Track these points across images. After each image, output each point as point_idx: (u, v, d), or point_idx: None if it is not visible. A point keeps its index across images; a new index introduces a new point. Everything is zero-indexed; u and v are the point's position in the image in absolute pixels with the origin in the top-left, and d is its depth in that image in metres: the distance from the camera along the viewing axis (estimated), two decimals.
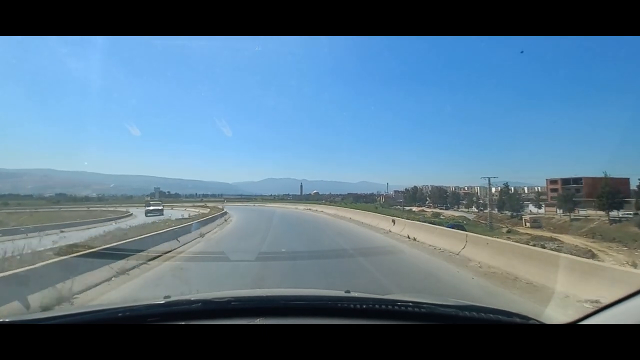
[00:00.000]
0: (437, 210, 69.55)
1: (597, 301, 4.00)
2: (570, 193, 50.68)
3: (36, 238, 8.29)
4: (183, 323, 1.41)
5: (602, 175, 43.58)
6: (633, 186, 49.32)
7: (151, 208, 30.14)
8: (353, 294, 1.74)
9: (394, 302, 1.56)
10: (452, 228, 11.90)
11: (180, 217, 16.70)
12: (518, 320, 1.44)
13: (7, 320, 1.42)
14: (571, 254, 7.43)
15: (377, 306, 1.54)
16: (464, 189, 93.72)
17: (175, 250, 8.65)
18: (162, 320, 1.46)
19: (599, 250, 25.57)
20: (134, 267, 6.47)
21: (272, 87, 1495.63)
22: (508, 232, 37.14)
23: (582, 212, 46.71)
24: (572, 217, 45.71)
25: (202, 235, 11.69)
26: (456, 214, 62.68)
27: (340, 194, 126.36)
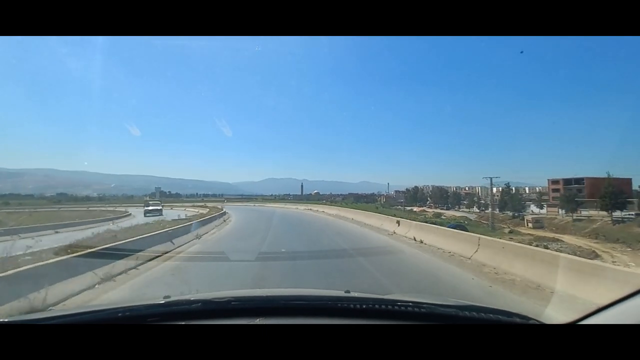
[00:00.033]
0: (438, 210, 69.27)
1: None
2: (572, 193, 50.40)
3: (28, 239, 8.02)
4: (183, 323, 1.41)
5: (604, 176, 43.37)
6: (635, 186, 49.17)
7: (150, 208, 29.90)
8: (353, 294, 1.73)
9: (394, 302, 1.55)
10: (454, 228, 11.63)
11: (177, 218, 16.44)
12: (518, 320, 1.44)
13: (7, 320, 1.43)
14: (575, 255, 7.17)
15: (377, 306, 1.54)
16: (465, 189, 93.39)
17: (166, 255, 7.97)
18: (162, 320, 1.45)
19: (602, 251, 25.27)
20: (121, 273, 5.99)
21: (272, 87, 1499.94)
22: (510, 232, 36.87)
23: (584, 213, 46.42)
24: (574, 217, 45.40)
25: (198, 237, 11.32)
26: (457, 214, 62.41)
27: (341, 194, 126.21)
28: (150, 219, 19.35)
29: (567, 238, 33.98)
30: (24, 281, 4.27)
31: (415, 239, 10.35)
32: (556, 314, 4.07)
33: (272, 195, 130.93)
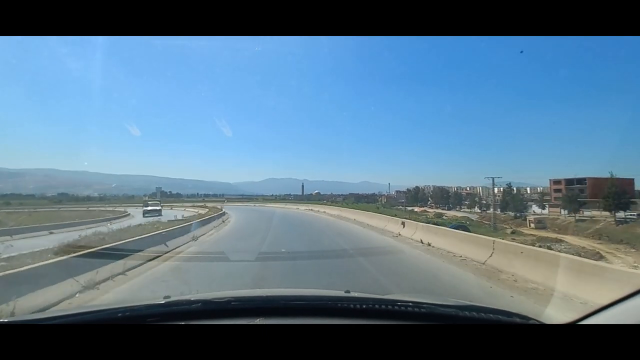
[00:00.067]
0: (439, 210, 69.02)
1: None
2: (574, 193, 50.05)
3: (19, 240, 7.80)
4: (183, 323, 1.40)
5: (605, 176, 43.08)
6: (638, 186, 48.77)
7: (149, 208, 29.61)
8: (353, 294, 1.72)
9: (394, 302, 1.55)
10: (456, 229, 11.37)
11: (173, 219, 16.16)
12: (518, 320, 1.44)
13: (7, 320, 1.43)
14: (579, 256, 6.92)
15: (377, 306, 1.53)
16: (466, 189, 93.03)
17: (159, 258, 7.51)
18: (162, 321, 1.45)
19: (606, 252, 24.98)
20: (106, 279, 5.54)
21: (272, 87, 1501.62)
22: (512, 233, 36.63)
23: (587, 213, 46.07)
24: (577, 217, 45.06)
25: (195, 239, 10.88)
26: (459, 214, 62.17)
27: (342, 194, 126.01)
28: (147, 220, 19.12)
29: (570, 239, 33.73)
30: None
31: (422, 242, 9.81)
32: (556, 314, 3.99)
33: (272, 195, 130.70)
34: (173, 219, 16.33)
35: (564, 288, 4.74)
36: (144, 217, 24.83)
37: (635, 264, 19.09)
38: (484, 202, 71.49)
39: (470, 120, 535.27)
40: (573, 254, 9.61)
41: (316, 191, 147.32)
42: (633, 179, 50.95)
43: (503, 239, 9.11)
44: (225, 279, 5.97)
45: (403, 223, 12.31)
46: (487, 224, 45.41)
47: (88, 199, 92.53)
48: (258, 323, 1.42)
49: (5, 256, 5.95)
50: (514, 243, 7.11)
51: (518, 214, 53.67)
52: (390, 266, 7.02)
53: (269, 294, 1.86)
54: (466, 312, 1.46)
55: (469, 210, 70.50)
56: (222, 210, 23.57)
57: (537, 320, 1.43)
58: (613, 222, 39.25)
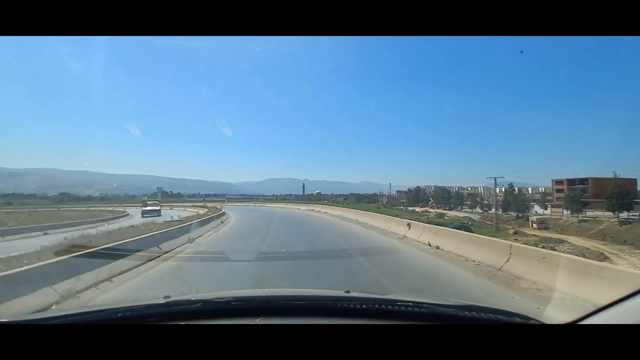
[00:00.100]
0: (441, 210, 68.75)
1: None
2: (577, 194, 49.76)
3: (9, 242, 7.59)
4: (183, 323, 1.40)
5: (607, 176, 42.88)
6: None
7: (148, 208, 29.02)
8: (353, 294, 1.73)
9: (394, 302, 1.55)
10: (458, 229, 11.17)
11: (170, 220, 15.87)
12: (518, 320, 1.43)
13: (7, 320, 1.43)
14: (584, 257, 6.67)
15: (377, 306, 1.53)
16: (467, 189, 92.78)
17: (149, 263, 6.95)
18: (162, 321, 1.45)
19: (610, 253, 24.70)
20: (89, 287, 5.07)
21: (272, 87, 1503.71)
22: (515, 233, 36.36)
23: (589, 213, 45.77)
24: (579, 218, 44.74)
25: (191, 241, 10.43)
26: (460, 214, 61.92)
27: (343, 194, 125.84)
28: (143, 220, 18.88)
29: (573, 239, 33.46)
30: None
31: (430, 244, 9.28)
32: (556, 314, 3.85)
33: (273, 195, 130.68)
34: (169, 220, 16.06)
35: (599, 299, 4.08)
36: (142, 217, 24.58)
37: None
38: (485, 202, 71.27)
39: (471, 120, 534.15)
40: (577, 255, 9.36)
41: (317, 191, 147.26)
42: (636, 179, 50.62)
43: (505, 239, 8.87)
44: (224, 279, 5.92)
45: (409, 224, 11.85)
46: (489, 224, 45.14)
47: (89, 199, 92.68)
48: (258, 323, 1.42)
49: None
50: (534, 247, 6.50)
51: (520, 214, 53.41)
52: (397, 270, 6.68)
53: (269, 294, 1.86)
54: (466, 312, 1.45)
55: (471, 210, 70.25)
56: (221, 210, 23.37)
57: (537, 320, 1.42)
58: (616, 223, 38.96)
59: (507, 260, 6.26)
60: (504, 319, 1.44)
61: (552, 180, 63.34)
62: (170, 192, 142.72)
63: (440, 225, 12.57)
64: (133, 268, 6.47)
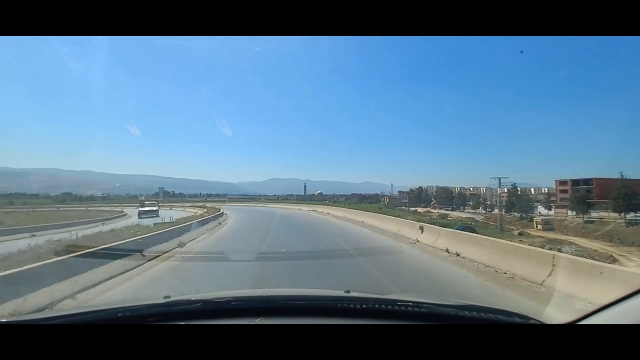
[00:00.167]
0: (443, 211, 68.21)
1: None
2: (581, 194, 49.02)
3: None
4: (183, 323, 1.40)
5: (609, 176, 42.20)
6: None
7: (145, 209, 27.90)
8: (353, 294, 1.73)
9: (394, 302, 1.55)
10: (462, 230, 10.73)
11: (161, 222, 15.31)
12: (518, 320, 1.43)
13: (7, 320, 1.43)
14: (593, 259, 6.07)
15: (377, 306, 1.53)
16: (470, 190, 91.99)
17: (127, 274, 6.23)
18: (162, 320, 1.45)
19: (619, 255, 24.11)
20: (65, 297, 4.62)
21: (273, 87, 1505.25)
22: (520, 234, 35.78)
23: (594, 214, 45.05)
24: (585, 219, 44.04)
25: (181, 245, 9.53)
26: (463, 215, 61.38)
27: (344, 194, 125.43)
28: (141, 221, 18.49)
29: (579, 241, 32.90)
30: None
31: (448, 251, 8.25)
32: (556, 314, 3.79)
33: (275, 195, 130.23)
34: (160, 221, 15.59)
35: None
36: (139, 218, 24.00)
37: None
38: (488, 202, 70.57)
39: (471, 120, 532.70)
40: (585, 257, 8.76)
41: (318, 191, 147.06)
42: None
43: (510, 240, 8.29)
44: (224, 279, 5.95)
45: (421, 228, 10.88)
46: (493, 225, 44.58)
47: (91, 199, 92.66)
48: (258, 323, 1.41)
49: None
50: (587, 260, 5.37)
51: (524, 215, 52.82)
52: (415, 281, 5.93)
53: (269, 294, 1.85)
54: (466, 312, 1.45)
55: (473, 211, 69.62)
56: (220, 210, 22.93)
57: (537, 320, 1.42)
58: (623, 224, 38.27)
59: (550, 274, 5.22)
60: (504, 318, 1.44)
61: (555, 180, 62.62)
62: (172, 192, 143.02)
63: (444, 227, 12.04)
64: (107, 279, 5.69)
